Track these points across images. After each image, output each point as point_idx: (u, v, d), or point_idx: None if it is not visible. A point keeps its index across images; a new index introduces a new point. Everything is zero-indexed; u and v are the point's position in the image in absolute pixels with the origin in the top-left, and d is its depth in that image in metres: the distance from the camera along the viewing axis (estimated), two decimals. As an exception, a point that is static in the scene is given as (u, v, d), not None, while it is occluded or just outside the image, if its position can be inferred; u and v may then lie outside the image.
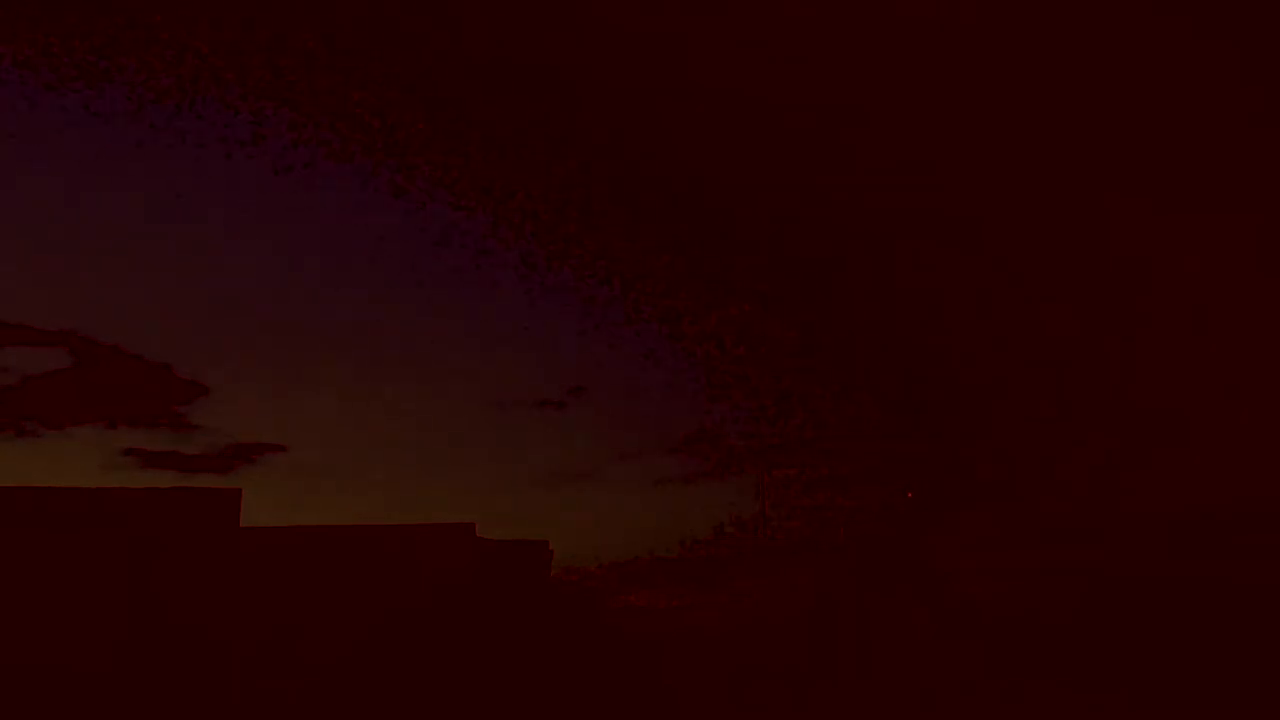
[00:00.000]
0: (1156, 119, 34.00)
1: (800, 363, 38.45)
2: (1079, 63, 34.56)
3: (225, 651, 20.53)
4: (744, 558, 32.11)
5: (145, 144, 35.78)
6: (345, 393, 38.80)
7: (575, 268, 39.65)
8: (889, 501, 30.54)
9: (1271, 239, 32.54)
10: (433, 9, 34.95)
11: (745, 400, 38.11)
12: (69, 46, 33.59)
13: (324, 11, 35.34)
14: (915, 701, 22.57)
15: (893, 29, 34.80)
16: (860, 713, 22.84)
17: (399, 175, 38.37)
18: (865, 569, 27.08)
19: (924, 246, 36.62)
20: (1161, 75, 33.51)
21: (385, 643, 21.68)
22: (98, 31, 33.78)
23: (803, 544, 31.41)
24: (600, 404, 38.98)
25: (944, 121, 36.00)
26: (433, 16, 34.89)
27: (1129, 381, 34.00)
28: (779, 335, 38.80)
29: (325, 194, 38.63)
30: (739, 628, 28.14)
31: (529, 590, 23.42)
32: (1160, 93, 33.77)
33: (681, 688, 24.65)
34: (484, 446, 39.13)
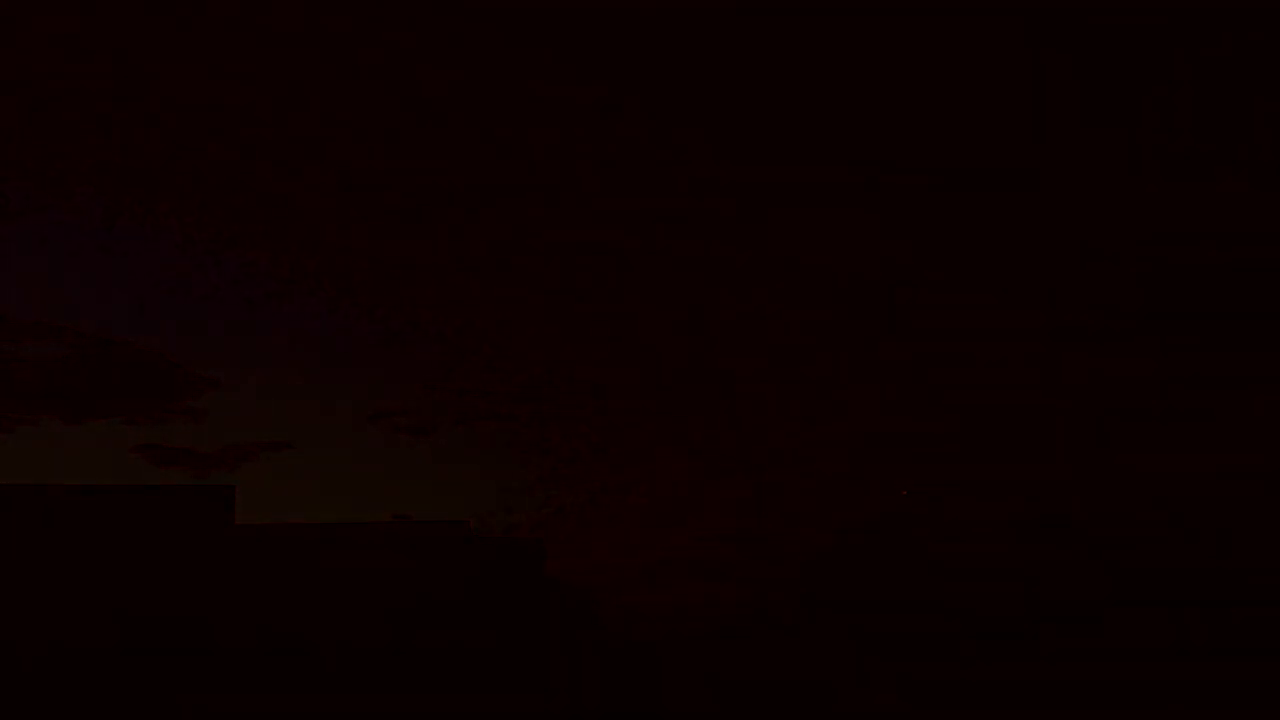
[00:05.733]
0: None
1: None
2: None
3: (220, 648, 20.63)
4: (741, 556, 32.16)
5: (154, 143, 35.98)
6: (346, 391, 38.98)
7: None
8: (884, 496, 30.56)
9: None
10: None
11: (740, 403, 38.13)
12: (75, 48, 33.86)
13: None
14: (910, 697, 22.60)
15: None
16: (858, 710, 22.88)
17: (395, 175, 38.48)
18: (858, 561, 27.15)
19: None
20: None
21: (380, 639, 21.76)
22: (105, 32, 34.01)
23: (799, 542, 31.45)
24: (603, 404, 39.04)
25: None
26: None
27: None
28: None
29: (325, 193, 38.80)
30: (736, 627, 28.13)
31: (523, 588, 23.43)
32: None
33: (677, 686, 24.67)
34: (483, 444, 39.18)
